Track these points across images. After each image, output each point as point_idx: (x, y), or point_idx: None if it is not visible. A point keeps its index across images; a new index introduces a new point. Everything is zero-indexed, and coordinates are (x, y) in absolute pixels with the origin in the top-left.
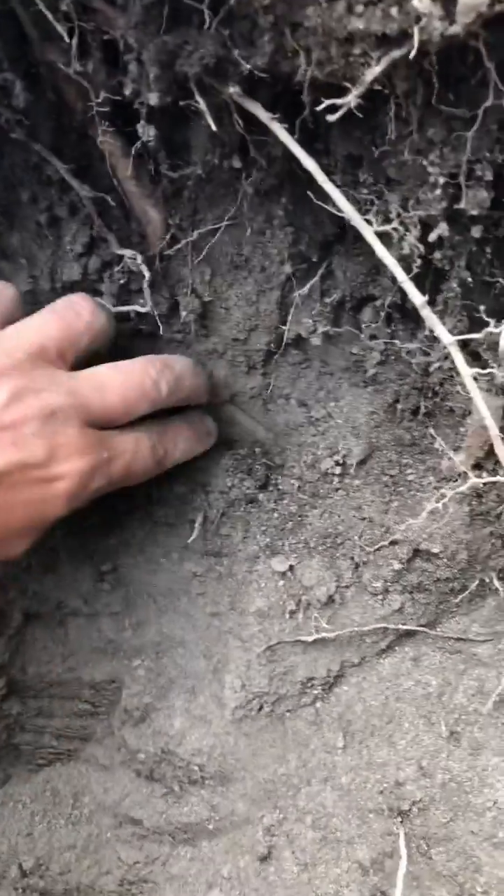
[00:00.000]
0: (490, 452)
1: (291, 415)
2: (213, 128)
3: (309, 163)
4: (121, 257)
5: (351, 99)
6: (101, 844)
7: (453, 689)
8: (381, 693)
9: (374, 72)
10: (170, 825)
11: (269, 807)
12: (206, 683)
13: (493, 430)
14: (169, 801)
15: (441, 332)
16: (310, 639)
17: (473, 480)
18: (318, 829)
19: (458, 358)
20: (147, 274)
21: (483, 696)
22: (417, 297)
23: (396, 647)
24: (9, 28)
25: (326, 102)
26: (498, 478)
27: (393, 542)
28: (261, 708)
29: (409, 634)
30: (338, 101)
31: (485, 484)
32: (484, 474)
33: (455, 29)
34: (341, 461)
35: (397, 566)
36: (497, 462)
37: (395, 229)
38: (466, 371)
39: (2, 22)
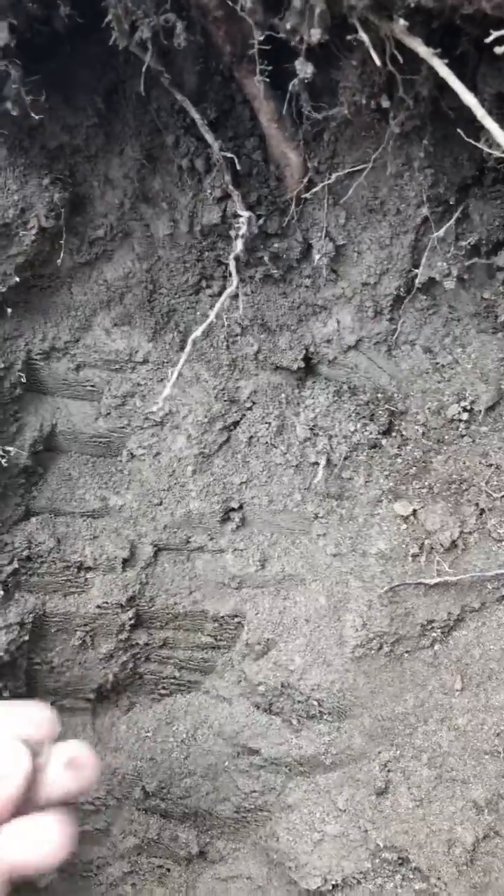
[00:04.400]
0: None
1: (416, 361)
2: (378, 63)
3: (469, 98)
4: (259, 197)
5: None
6: (220, 772)
7: None
8: (500, 638)
9: None
10: (287, 757)
11: (385, 743)
12: (328, 622)
13: None
14: (287, 733)
15: None
16: (432, 582)
17: None
18: (433, 768)
19: None
20: (240, 248)
21: None
22: None
23: None
24: None
25: (496, 34)
26: None
27: None
28: (380, 647)
29: None
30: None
31: None
32: None
33: None
34: (468, 407)
35: None
36: None
37: None
38: None
39: None
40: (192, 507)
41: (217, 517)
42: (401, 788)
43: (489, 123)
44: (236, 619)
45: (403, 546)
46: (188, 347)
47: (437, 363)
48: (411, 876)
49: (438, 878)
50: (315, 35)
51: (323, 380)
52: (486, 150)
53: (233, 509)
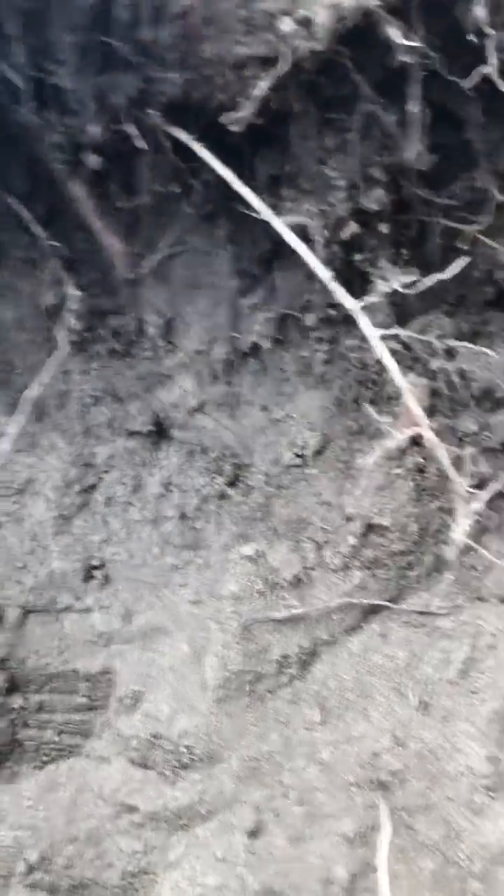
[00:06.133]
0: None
1: (255, 419)
2: (145, 146)
3: (224, 172)
4: (91, 280)
5: (246, 112)
6: (103, 836)
7: (420, 661)
8: (352, 668)
9: (262, 87)
10: (165, 810)
11: (255, 784)
12: (191, 668)
13: (402, 384)
14: (162, 786)
15: (344, 299)
16: (280, 616)
17: (398, 439)
18: (304, 805)
19: (363, 321)
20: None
21: (449, 667)
22: (324, 273)
23: (364, 624)
24: None
25: (225, 116)
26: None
27: (348, 519)
28: (241, 688)
29: (375, 611)
30: (233, 114)
31: (424, 459)
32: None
33: (317, 45)
34: (300, 453)
35: (353, 541)
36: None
37: (307, 226)
38: (372, 332)
39: None
40: (54, 566)
41: (80, 576)
42: (273, 829)
43: (243, 190)
44: (107, 676)
45: (251, 585)
46: (21, 405)
47: (273, 418)
48: None
49: None
50: (93, 131)
51: (176, 443)
52: (255, 214)
53: (95, 567)
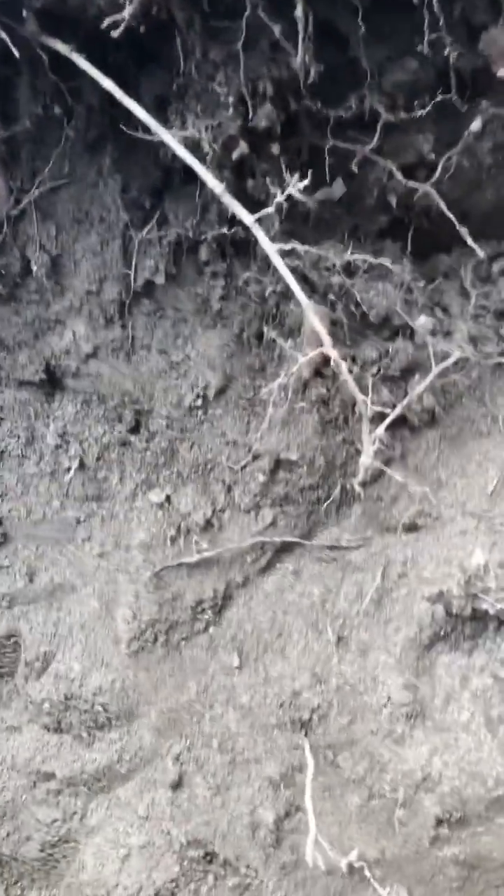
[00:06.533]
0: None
1: (154, 362)
2: (17, 54)
3: (106, 83)
4: None
5: (127, 14)
6: (19, 809)
7: (335, 595)
8: (268, 609)
9: None
10: (83, 773)
11: (175, 736)
12: (102, 623)
13: (304, 301)
14: (79, 749)
15: (240, 212)
16: (192, 559)
17: (302, 361)
18: (225, 752)
19: (260, 234)
20: None
21: (363, 599)
22: (216, 186)
23: (277, 564)
24: None
25: (107, 20)
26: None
27: (255, 457)
28: (155, 639)
29: (287, 549)
30: (116, 17)
31: (328, 390)
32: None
33: None
34: (202, 393)
35: (262, 478)
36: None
37: (199, 141)
38: (270, 247)
39: None
40: None
41: None
42: (196, 779)
43: (128, 103)
44: (13, 640)
45: (162, 532)
46: None
47: (172, 361)
48: (222, 872)
49: (248, 867)
50: None
51: (70, 392)
52: (148, 136)
53: None
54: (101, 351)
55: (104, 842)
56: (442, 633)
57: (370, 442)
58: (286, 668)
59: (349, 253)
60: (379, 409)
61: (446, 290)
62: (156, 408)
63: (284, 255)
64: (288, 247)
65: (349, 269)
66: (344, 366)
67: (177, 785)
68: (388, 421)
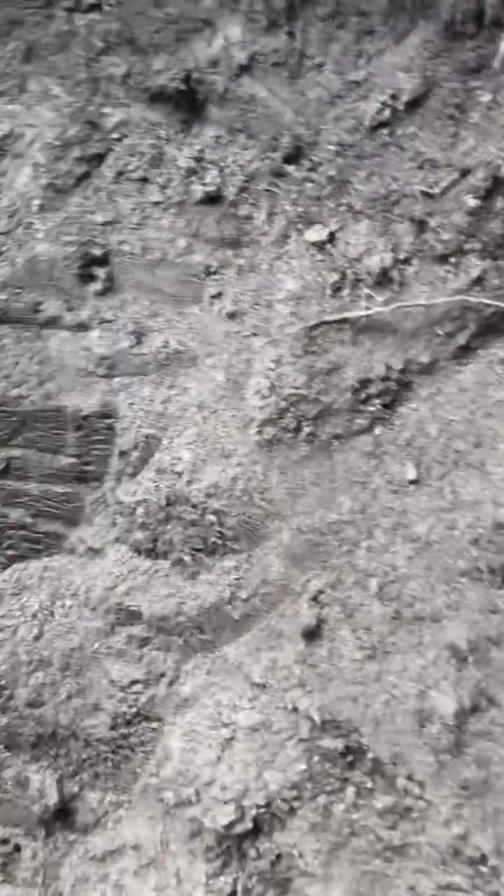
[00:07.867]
0: None
1: (326, 86)
2: None
3: None
4: None
5: None
6: (87, 661)
7: None
8: (463, 407)
9: None
10: (180, 614)
11: (315, 567)
12: (227, 403)
13: None
14: (178, 580)
15: None
16: (360, 314)
17: None
18: (387, 601)
19: None
20: None
21: None
22: None
23: (480, 348)
24: None
25: None
26: None
27: (464, 172)
28: (298, 426)
29: (498, 327)
30: None
31: None
32: None
33: None
34: (390, 104)
35: (472, 204)
36: None
37: None
38: None
39: None
40: (38, 250)
41: (74, 270)
42: (341, 632)
43: None
44: (107, 421)
45: (320, 280)
46: None
47: (350, 81)
48: (369, 783)
49: (409, 778)
50: None
51: (213, 123)
52: None
53: (96, 261)
54: (257, 65)
55: (200, 719)
56: None
57: None
58: (486, 491)
59: None
60: None
61: None
62: (322, 135)
63: None
64: None
65: None
66: None
67: (312, 634)
68: None
